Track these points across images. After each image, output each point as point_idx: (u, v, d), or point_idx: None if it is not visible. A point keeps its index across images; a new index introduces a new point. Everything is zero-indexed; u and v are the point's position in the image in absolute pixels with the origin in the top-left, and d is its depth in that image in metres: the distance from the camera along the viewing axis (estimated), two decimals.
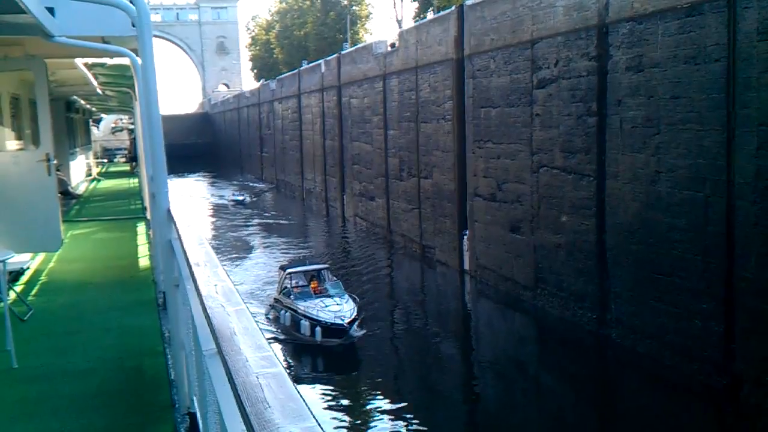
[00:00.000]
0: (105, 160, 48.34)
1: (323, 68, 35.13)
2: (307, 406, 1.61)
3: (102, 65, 12.74)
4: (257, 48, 78.89)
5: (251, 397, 1.67)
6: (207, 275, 3.02)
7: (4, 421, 5.09)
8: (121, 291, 9.13)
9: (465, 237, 20.26)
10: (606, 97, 13.91)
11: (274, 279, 20.10)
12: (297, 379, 13.74)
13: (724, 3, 10.99)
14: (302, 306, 15.89)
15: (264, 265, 23.87)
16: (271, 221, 34.99)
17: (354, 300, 16.34)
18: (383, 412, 12.57)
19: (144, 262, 10.93)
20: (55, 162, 9.06)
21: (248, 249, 27.61)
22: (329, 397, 13.23)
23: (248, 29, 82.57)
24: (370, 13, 64.71)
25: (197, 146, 73.93)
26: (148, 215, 11.82)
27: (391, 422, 12.09)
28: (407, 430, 11.89)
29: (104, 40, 8.32)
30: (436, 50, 21.59)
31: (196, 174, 61.23)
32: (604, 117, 13.96)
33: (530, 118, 16.58)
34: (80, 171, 28.59)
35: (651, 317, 12.78)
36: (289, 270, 17.58)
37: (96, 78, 14.86)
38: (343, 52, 33.01)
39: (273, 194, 45.91)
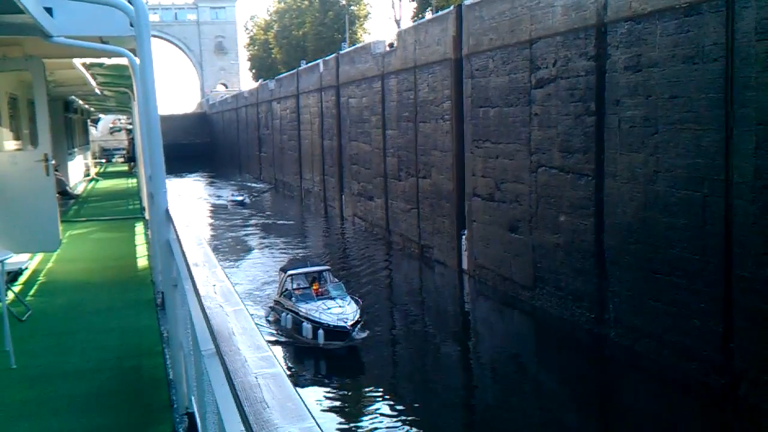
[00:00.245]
0: (103, 160, 48.21)
1: (322, 68, 35.13)
2: (305, 406, 1.61)
3: (100, 65, 12.73)
4: (255, 48, 78.91)
5: (250, 398, 1.67)
6: (205, 275, 3.02)
7: (3, 421, 5.08)
8: (120, 291, 9.11)
9: (463, 237, 20.27)
10: (604, 96, 13.92)
11: (273, 279, 20.07)
12: (300, 383, 13.71)
13: (722, 3, 10.99)
14: (304, 308, 15.67)
15: (263, 265, 23.87)
16: (269, 221, 34.99)
17: (356, 302, 16.12)
18: (385, 414, 12.53)
19: (142, 262, 10.91)
20: (53, 162, 9.06)
21: (247, 249, 27.60)
22: (333, 400, 13.21)
23: (247, 29, 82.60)
24: (369, 13, 64.85)
25: (195, 146, 73.97)
26: (147, 215, 11.79)
27: (393, 423, 12.09)
28: (408, 430, 11.89)
29: (102, 40, 8.31)
30: (435, 50, 21.59)
31: (195, 174, 61.21)
32: (603, 117, 13.97)
33: (529, 118, 16.58)
34: (78, 171, 28.55)
35: (649, 316, 12.78)
36: (289, 272, 17.25)
37: (94, 78, 14.85)
38: (341, 52, 33.03)
39: (271, 194, 45.90)
